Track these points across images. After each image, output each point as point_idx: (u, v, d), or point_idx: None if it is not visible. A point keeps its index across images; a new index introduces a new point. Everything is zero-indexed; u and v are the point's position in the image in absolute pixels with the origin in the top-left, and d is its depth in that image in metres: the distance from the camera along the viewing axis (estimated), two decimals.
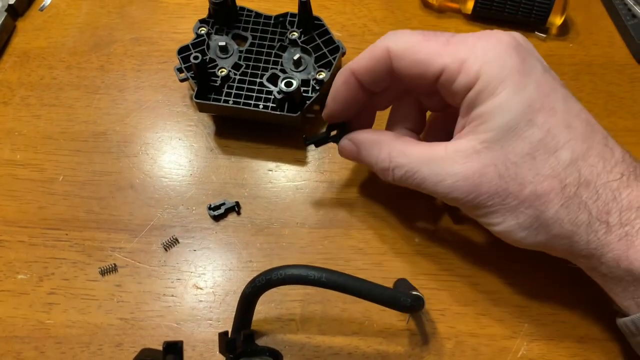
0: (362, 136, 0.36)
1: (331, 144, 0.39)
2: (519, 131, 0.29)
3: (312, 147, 0.42)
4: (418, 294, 0.32)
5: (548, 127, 0.29)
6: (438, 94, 0.33)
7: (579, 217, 0.29)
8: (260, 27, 0.44)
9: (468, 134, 0.31)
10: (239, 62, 0.42)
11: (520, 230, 0.31)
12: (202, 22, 0.44)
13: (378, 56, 0.32)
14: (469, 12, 0.47)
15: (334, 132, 0.38)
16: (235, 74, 0.42)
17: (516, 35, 0.31)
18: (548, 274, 0.37)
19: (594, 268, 0.31)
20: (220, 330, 0.36)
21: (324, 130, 0.39)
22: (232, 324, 0.34)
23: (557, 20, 0.46)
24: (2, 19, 0.47)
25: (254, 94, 0.41)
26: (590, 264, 0.31)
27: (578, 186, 0.29)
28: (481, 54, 0.30)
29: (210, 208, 0.40)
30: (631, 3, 0.47)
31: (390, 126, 0.38)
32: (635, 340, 0.31)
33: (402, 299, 0.31)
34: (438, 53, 0.30)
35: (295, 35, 0.43)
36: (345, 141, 0.37)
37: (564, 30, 0.47)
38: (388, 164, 0.33)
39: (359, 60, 0.33)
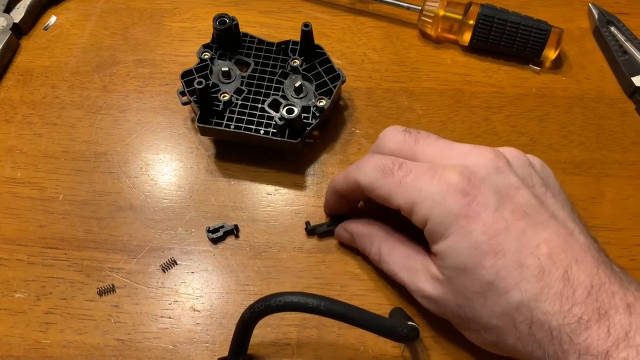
0: (356, 228, 0.39)
1: None
2: (469, 273, 0.30)
3: (311, 171, 0.43)
4: (414, 324, 0.32)
5: (497, 269, 0.30)
6: None
7: (535, 352, 0.30)
8: (262, 54, 0.45)
9: (435, 260, 0.33)
10: (241, 87, 0.43)
11: (486, 345, 0.33)
12: (206, 47, 0.45)
13: (351, 185, 0.35)
14: (466, 44, 0.48)
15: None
16: (237, 99, 0.43)
17: (475, 168, 0.32)
18: None
19: None
20: (217, 353, 0.36)
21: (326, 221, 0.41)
22: (229, 347, 0.34)
23: (551, 54, 0.47)
24: (7, 38, 0.48)
25: (255, 119, 0.42)
26: None
27: (530, 325, 0.29)
28: (428, 199, 0.31)
29: (209, 231, 0.40)
30: (623, 39, 0.48)
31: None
32: None
33: (399, 329, 0.31)
34: (393, 193, 0.33)
35: (297, 62, 0.44)
36: (340, 229, 0.40)
37: (558, 63, 0.48)
38: (378, 259, 0.37)
39: (339, 182, 0.37)
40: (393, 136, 0.36)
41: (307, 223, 0.40)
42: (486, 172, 0.32)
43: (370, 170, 0.34)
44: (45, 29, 0.50)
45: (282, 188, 0.43)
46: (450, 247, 0.31)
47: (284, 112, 0.40)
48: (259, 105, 0.43)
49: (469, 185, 0.31)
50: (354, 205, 0.40)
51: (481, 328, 0.32)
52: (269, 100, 0.43)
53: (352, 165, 0.36)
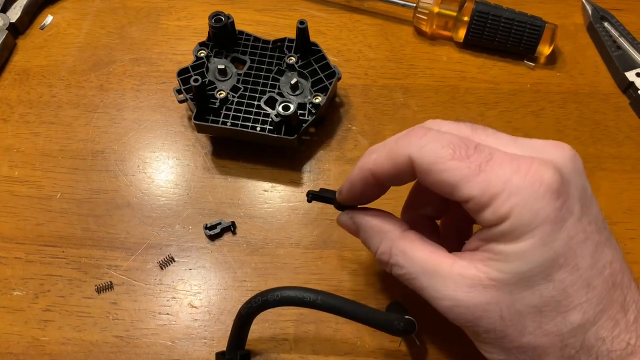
0: (365, 220, 0.33)
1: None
2: (533, 284, 0.26)
3: (307, 167, 0.44)
4: (410, 318, 0.33)
5: (564, 285, 0.26)
6: None
7: None
8: (258, 51, 0.45)
9: (479, 262, 0.28)
10: (238, 84, 0.43)
11: None
12: (202, 45, 0.45)
13: (399, 164, 0.29)
14: (461, 40, 0.49)
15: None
16: (234, 97, 0.43)
17: (562, 166, 0.27)
18: None
19: None
20: (215, 349, 0.37)
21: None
22: (227, 343, 0.34)
23: (545, 50, 0.47)
24: (3, 37, 0.48)
25: (252, 117, 0.42)
26: None
27: (579, 350, 0.27)
28: (515, 193, 0.26)
29: (206, 227, 0.41)
30: (616, 35, 0.49)
31: (407, 207, 0.36)
32: None
33: (395, 322, 0.32)
34: (467, 179, 0.26)
35: (293, 60, 0.44)
36: (345, 217, 0.34)
37: (552, 59, 0.49)
38: (388, 259, 0.31)
39: (378, 161, 0.30)
40: (443, 123, 0.30)
41: (309, 192, 0.36)
42: (570, 172, 0.27)
43: (433, 147, 0.27)
44: (42, 28, 0.51)
45: (278, 185, 0.43)
46: (524, 251, 0.26)
47: (280, 108, 0.40)
48: (255, 103, 0.43)
49: (562, 187, 0.26)
50: (381, 193, 0.33)
51: (518, 347, 0.28)
52: (265, 97, 0.43)
53: (393, 138, 0.30)
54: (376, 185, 0.31)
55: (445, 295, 0.28)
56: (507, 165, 0.26)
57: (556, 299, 0.27)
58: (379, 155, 0.30)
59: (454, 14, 0.48)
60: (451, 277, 0.28)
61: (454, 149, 0.27)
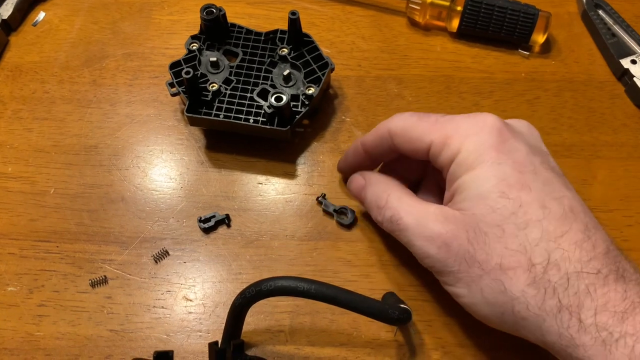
0: (374, 175, 0.38)
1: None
2: (491, 202, 0.30)
3: (301, 160, 0.43)
4: (405, 307, 0.32)
5: (521, 202, 0.30)
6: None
7: (548, 302, 0.28)
8: (250, 44, 0.45)
9: (449, 203, 0.33)
10: (230, 77, 0.43)
11: (486, 306, 0.30)
12: (194, 38, 0.45)
13: (381, 134, 0.36)
14: (454, 30, 0.48)
15: None
16: (226, 89, 0.43)
17: (510, 121, 0.34)
18: None
19: None
20: (210, 341, 0.36)
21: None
22: (222, 335, 0.34)
23: (539, 38, 0.47)
24: None
25: (245, 109, 0.42)
26: None
27: (546, 268, 0.29)
28: (464, 131, 0.32)
29: (200, 220, 0.40)
30: (611, 22, 0.48)
31: (385, 167, 0.41)
32: None
33: (390, 311, 0.31)
34: (428, 131, 0.34)
35: (285, 51, 0.44)
36: (357, 175, 0.39)
37: (547, 48, 0.49)
38: (384, 203, 0.35)
39: (367, 135, 0.38)
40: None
41: (323, 195, 0.42)
42: (516, 125, 0.34)
43: (405, 117, 0.35)
44: (34, 25, 0.50)
45: (273, 177, 0.43)
46: (479, 175, 0.31)
47: (272, 100, 0.40)
48: (248, 95, 0.43)
49: (504, 128, 0.32)
50: (371, 166, 0.40)
51: (486, 273, 0.30)
52: (257, 89, 0.43)
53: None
54: (364, 156, 0.39)
55: (424, 228, 0.32)
56: (458, 117, 0.34)
57: (515, 216, 0.30)
58: (369, 132, 0.38)
59: (447, 3, 0.48)
60: (431, 214, 0.33)
61: (418, 116, 0.35)
